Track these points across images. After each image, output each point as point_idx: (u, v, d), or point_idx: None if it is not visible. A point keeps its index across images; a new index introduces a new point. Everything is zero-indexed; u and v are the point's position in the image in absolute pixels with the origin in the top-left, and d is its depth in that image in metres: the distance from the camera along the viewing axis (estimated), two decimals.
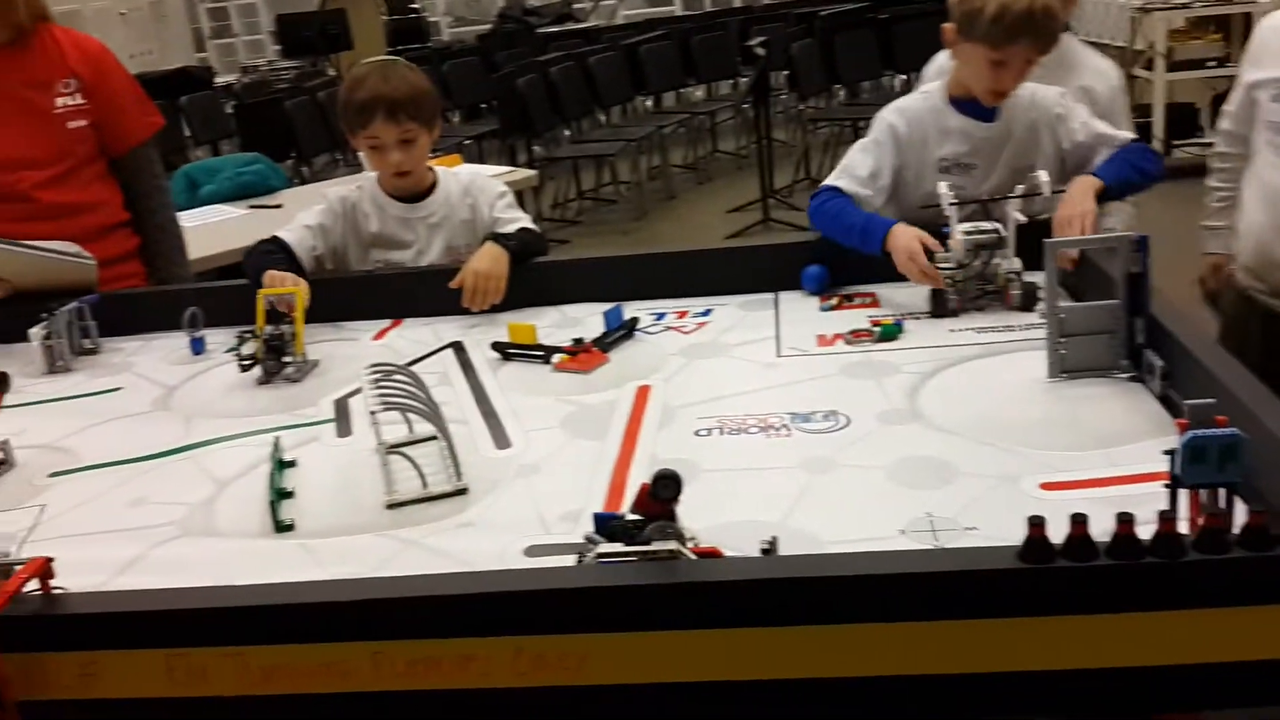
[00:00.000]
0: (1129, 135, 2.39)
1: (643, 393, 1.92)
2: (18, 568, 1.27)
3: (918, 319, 2.12)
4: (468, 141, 8.21)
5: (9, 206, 2.55)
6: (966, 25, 2.26)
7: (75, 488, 1.78)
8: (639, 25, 11.43)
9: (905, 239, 2.17)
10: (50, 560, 1.28)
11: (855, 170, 2.39)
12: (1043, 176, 2.18)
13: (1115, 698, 1.17)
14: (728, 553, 1.29)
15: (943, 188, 2.17)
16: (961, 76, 2.37)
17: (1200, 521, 1.13)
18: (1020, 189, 2.19)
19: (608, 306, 2.20)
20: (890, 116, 2.43)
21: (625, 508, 1.31)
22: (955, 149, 2.38)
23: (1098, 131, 2.37)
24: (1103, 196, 2.19)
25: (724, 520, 1.44)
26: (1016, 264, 2.13)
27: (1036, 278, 2.02)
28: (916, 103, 2.44)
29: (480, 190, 2.57)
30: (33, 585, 1.27)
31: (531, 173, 5.28)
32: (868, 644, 1.17)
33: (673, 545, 1.22)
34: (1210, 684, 1.15)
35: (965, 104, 2.37)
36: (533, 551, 1.44)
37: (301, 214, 2.55)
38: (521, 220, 2.55)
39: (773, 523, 1.43)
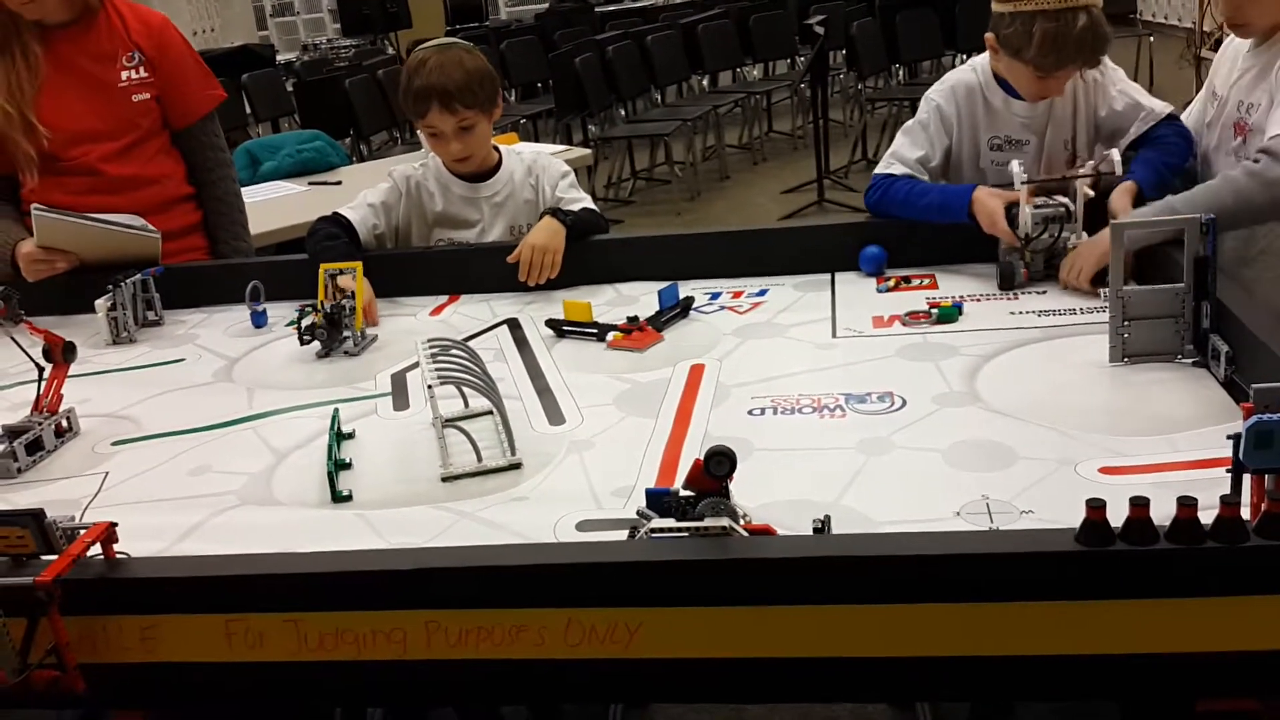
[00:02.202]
0: (1165, 108, 2.32)
1: (696, 371, 1.92)
2: (82, 532, 1.30)
3: (977, 301, 2.10)
4: (524, 120, 8.23)
5: (75, 179, 2.59)
6: (1011, 49, 2.20)
7: (138, 456, 1.81)
8: (696, 4, 11.37)
9: (990, 201, 2.17)
10: (113, 525, 1.31)
11: (904, 155, 2.37)
12: (1115, 155, 2.14)
13: (1174, 682, 1.16)
14: (780, 531, 1.29)
15: (1015, 166, 2.14)
16: (1004, 73, 2.33)
17: (1264, 507, 1.11)
18: (1091, 164, 2.16)
19: (663, 285, 2.20)
20: (937, 97, 2.40)
21: (678, 484, 1.31)
22: (1004, 127, 2.35)
23: (1135, 100, 2.32)
24: (1138, 201, 2.15)
25: (777, 499, 1.44)
26: (1085, 238, 2.11)
27: None
28: (964, 79, 2.39)
29: (544, 170, 2.58)
30: (95, 550, 1.29)
31: (586, 152, 5.26)
32: (920, 624, 1.16)
33: (725, 522, 1.22)
34: (1272, 671, 1.13)
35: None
36: (585, 526, 1.45)
37: (366, 191, 2.57)
38: (584, 201, 2.55)
39: (826, 502, 1.43)
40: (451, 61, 2.40)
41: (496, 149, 2.59)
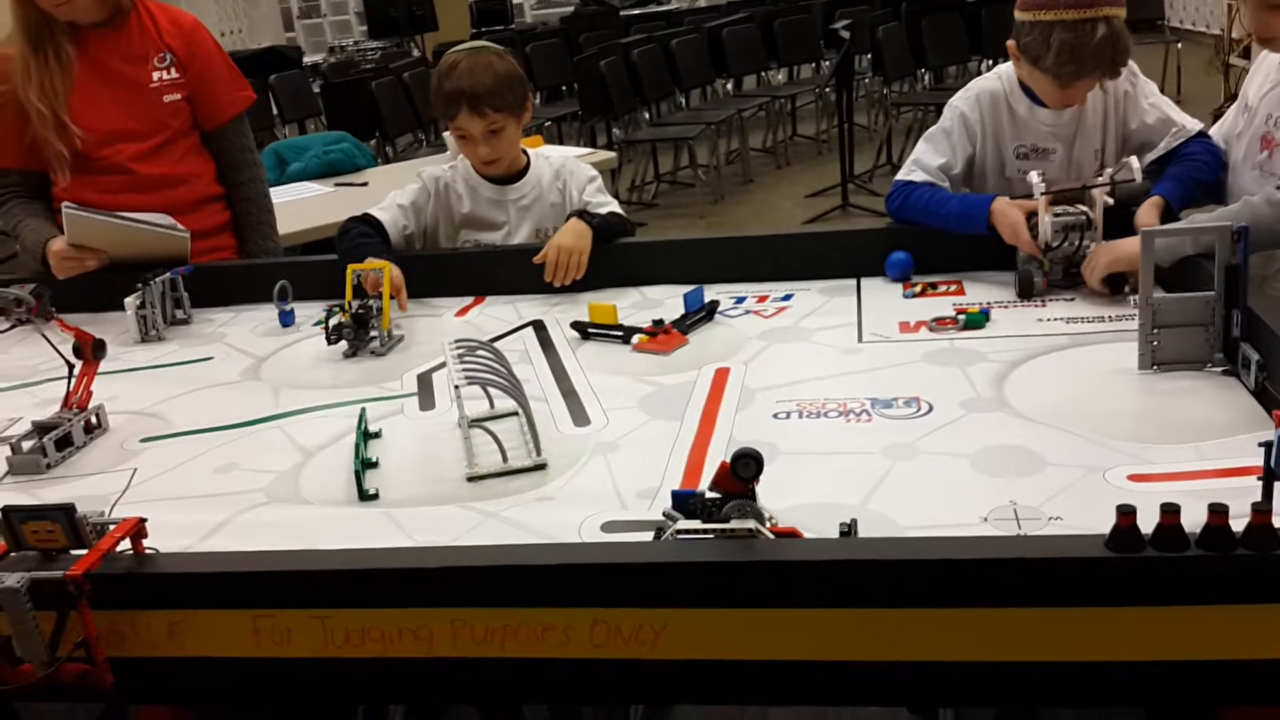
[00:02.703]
0: (1195, 125, 2.32)
1: (721, 375, 1.92)
2: (111, 527, 1.31)
3: (1005, 308, 2.09)
4: (548, 123, 8.25)
5: (108, 178, 2.61)
6: (1030, 58, 2.19)
7: (166, 453, 1.82)
8: (721, 8, 11.37)
9: (1010, 212, 2.16)
10: (143, 521, 1.32)
11: (925, 162, 2.36)
12: (1134, 163, 2.14)
13: (1203, 689, 1.15)
14: (806, 534, 1.29)
15: (1034, 176, 2.13)
16: (1027, 80, 2.31)
17: None
18: (1109, 172, 2.15)
19: (688, 289, 2.20)
20: (961, 105, 2.39)
21: (703, 486, 1.31)
22: (1030, 136, 2.34)
23: (1167, 115, 2.32)
24: (1165, 216, 2.15)
25: (802, 502, 1.44)
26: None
27: None
28: (989, 87, 2.37)
29: (571, 174, 2.58)
30: (124, 545, 1.30)
31: (610, 155, 5.28)
32: (947, 630, 1.16)
33: (751, 524, 1.22)
34: None
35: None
36: (610, 527, 1.45)
37: (395, 192, 2.58)
38: (611, 205, 2.55)
39: (851, 506, 1.42)
40: (481, 65, 2.41)
41: (525, 152, 2.59)
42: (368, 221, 2.48)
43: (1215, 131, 2.37)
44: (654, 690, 1.28)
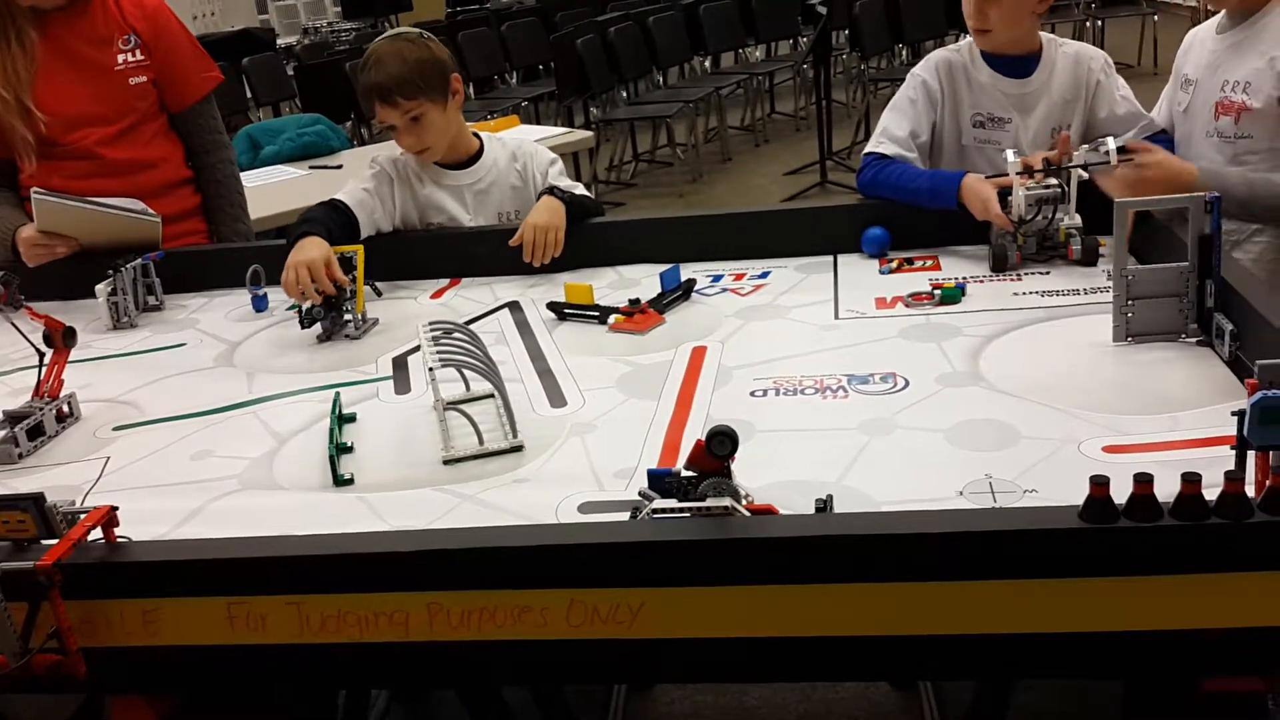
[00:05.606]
0: (1162, 122, 2.36)
1: (698, 354, 1.91)
2: (82, 516, 1.30)
3: (980, 282, 2.09)
4: (525, 103, 8.20)
5: (74, 164, 2.58)
6: None
7: (139, 441, 1.81)
8: None
9: (981, 187, 2.17)
10: (114, 509, 1.31)
11: (894, 132, 2.37)
12: (1111, 143, 2.13)
13: (1178, 659, 1.15)
14: (782, 511, 1.29)
15: (1010, 154, 2.14)
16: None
17: (1269, 483, 1.10)
18: (1084, 148, 2.15)
19: (664, 268, 2.19)
20: (922, 73, 2.41)
21: (680, 465, 1.31)
22: (987, 104, 2.36)
23: (1137, 110, 2.35)
24: None
25: (779, 479, 1.44)
26: (1078, 219, 2.11)
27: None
28: (948, 56, 2.41)
29: (530, 155, 2.56)
30: (96, 534, 1.29)
31: (588, 134, 5.23)
32: (923, 603, 1.16)
33: (727, 502, 1.22)
34: (1276, 648, 1.12)
35: (998, 59, 2.35)
36: (587, 508, 1.44)
37: (352, 181, 2.54)
38: (576, 188, 2.53)
39: (828, 483, 1.42)
40: (392, 55, 2.36)
41: (477, 135, 2.56)
42: (334, 206, 2.44)
43: (1155, 114, 2.41)
44: (632, 669, 1.28)
